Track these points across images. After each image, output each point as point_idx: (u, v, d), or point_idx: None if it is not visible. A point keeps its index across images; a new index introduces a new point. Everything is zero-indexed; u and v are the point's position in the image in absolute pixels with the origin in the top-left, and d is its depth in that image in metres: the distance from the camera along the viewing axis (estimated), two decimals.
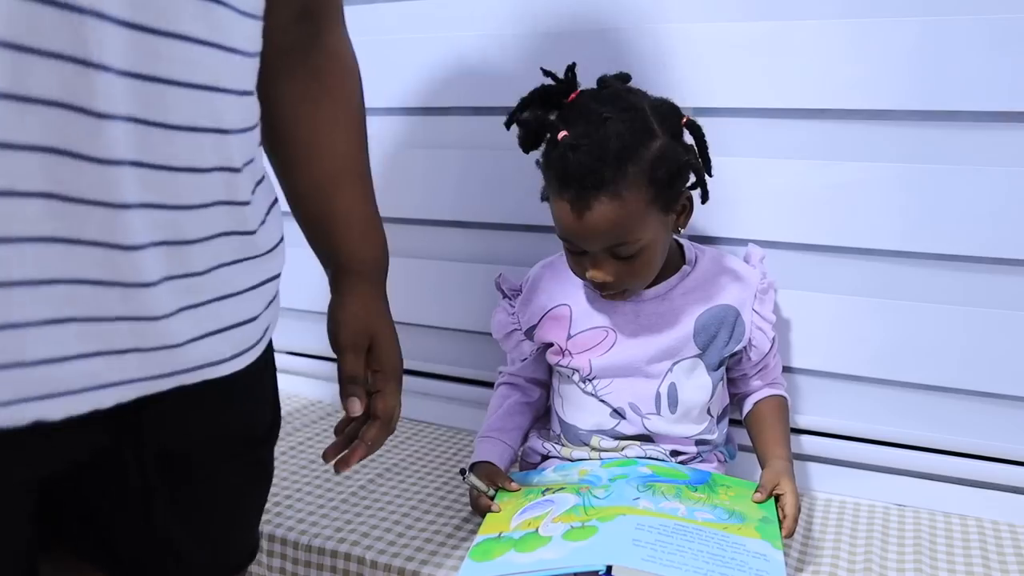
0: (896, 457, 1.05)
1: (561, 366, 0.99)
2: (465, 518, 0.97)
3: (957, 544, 0.93)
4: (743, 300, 0.96)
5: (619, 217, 0.84)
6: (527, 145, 0.89)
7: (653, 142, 0.85)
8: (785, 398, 1.02)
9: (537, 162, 0.91)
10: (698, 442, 0.96)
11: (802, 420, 1.08)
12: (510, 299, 1.05)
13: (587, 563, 0.73)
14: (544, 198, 0.92)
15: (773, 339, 0.97)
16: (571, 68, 0.91)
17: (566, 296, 0.99)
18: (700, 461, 0.97)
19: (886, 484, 1.06)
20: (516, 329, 1.03)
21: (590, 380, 0.97)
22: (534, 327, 1.01)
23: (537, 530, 0.80)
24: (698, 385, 0.95)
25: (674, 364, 0.95)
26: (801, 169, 1.02)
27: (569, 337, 0.98)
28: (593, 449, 0.97)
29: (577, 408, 0.98)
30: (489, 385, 1.27)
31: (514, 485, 0.92)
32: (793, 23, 1.00)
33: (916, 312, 1.00)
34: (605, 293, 0.93)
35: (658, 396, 0.95)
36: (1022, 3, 0.90)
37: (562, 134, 0.85)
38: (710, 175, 0.90)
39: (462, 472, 0.90)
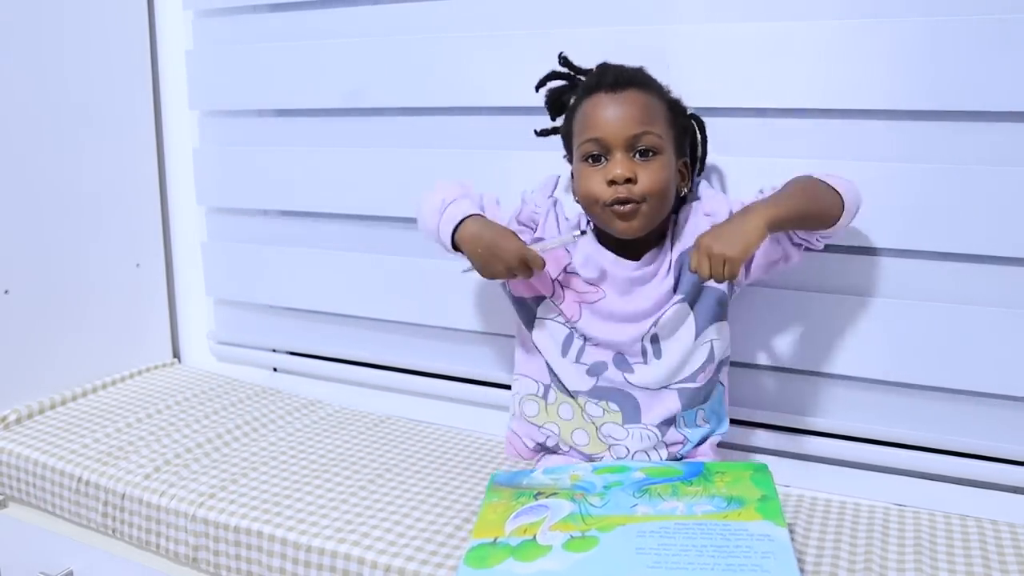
0: (896, 457, 1.05)
1: (549, 314, 1.03)
2: (466, 518, 0.97)
3: (957, 544, 0.93)
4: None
5: (647, 103, 0.94)
6: (556, 105, 1.03)
7: (670, 93, 0.99)
8: (830, 184, 0.92)
9: (549, 132, 1.05)
10: (681, 394, 0.99)
11: (802, 420, 1.08)
12: (526, 226, 1.05)
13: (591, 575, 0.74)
14: (564, 133, 1.02)
15: (730, 210, 0.96)
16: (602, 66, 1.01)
17: (572, 244, 1.03)
18: (694, 448, 1.00)
19: (886, 484, 1.06)
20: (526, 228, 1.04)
21: (576, 328, 1.01)
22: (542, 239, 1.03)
23: (535, 538, 0.79)
24: (684, 327, 0.99)
25: (660, 314, 0.99)
26: (801, 169, 1.02)
27: (565, 271, 1.02)
28: (582, 411, 1.02)
29: (563, 368, 1.03)
30: (489, 385, 1.27)
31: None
32: (793, 23, 1.00)
33: (917, 311, 1.00)
34: (623, 206, 0.93)
35: (643, 347, 1.00)
36: (1022, 3, 0.90)
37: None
38: (703, 166, 1.02)
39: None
